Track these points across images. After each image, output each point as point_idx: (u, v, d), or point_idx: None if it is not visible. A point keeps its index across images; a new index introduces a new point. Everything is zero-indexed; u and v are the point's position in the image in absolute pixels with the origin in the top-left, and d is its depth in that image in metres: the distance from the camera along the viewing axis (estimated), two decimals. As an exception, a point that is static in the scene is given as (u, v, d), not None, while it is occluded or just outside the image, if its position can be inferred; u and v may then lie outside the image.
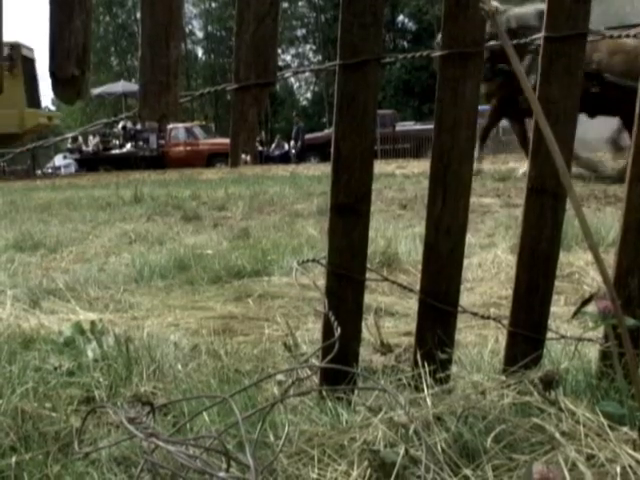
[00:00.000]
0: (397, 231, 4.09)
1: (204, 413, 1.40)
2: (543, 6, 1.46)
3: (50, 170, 22.63)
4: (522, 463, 1.15)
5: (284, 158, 22.90)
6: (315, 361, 1.56)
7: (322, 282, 1.59)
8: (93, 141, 21.99)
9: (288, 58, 39.81)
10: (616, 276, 1.46)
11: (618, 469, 1.07)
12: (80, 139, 20.89)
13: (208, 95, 1.63)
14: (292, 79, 39.48)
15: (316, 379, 1.59)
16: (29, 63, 17.13)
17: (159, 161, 20.85)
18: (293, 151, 22.78)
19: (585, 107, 8.14)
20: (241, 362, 1.87)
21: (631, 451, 1.11)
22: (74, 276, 3.25)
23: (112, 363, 1.77)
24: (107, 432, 1.45)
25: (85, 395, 1.65)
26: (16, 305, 2.59)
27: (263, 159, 21.91)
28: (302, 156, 21.87)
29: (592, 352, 1.62)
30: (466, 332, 2.11)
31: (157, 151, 21.75)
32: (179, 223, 5.31)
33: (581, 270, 2.88)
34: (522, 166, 8.84)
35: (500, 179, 7.66)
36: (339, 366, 1.48)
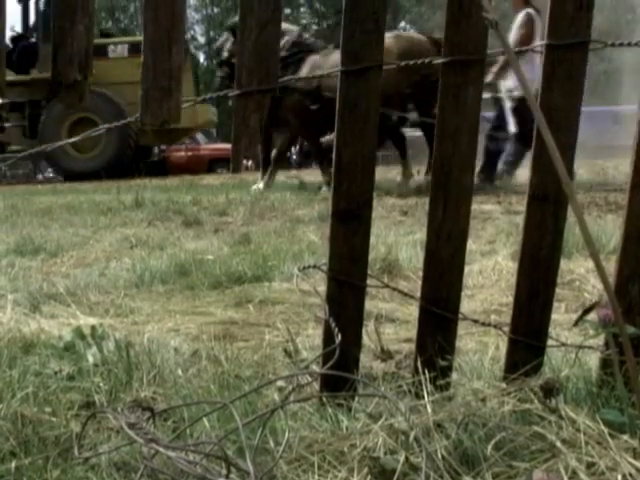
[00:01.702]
0: (398, 237, 4.08)
1: (204, 419, 1.40)
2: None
3: (51, 174, 22.63)
4: (522, 471, 1.15)
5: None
6: (315, 367, 1.56)
7: (323, 288, 1.59)
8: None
9: (290, 64, 39.84)
10: (617, 284, 1.45)
11: (619, 477, 1.07)
12: None
13: (210, 100, 1.63)
14: (294, 85, 39.46)
15: (316, 385, 1.59)
16: (191, 57, 17.07)
17: (160, 166, 20.84)
18: (294, 157, 22.78)
19: (312, 126, 8.40)
20: (241, 368, 1.87)
21: (631, 459, 1.11)
22: (75, 281, 3.25)
23: (112, 368, 1.77)
24: (107, 437, 1.44)
25: (85, 400, 1.65)
26: (16, 309, 2.59)
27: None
28: (302, 162, 21.86)
29: (593, 360, 1.62)
30: (467, 339, 2.11)
31: (158, 156, 21.73)
32: (180, 228, 5.31)
33: (582, 278, 2.88)
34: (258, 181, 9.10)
35: (501, 186, 7.65)
36: (339, 372, 1.48)
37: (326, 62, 8.21)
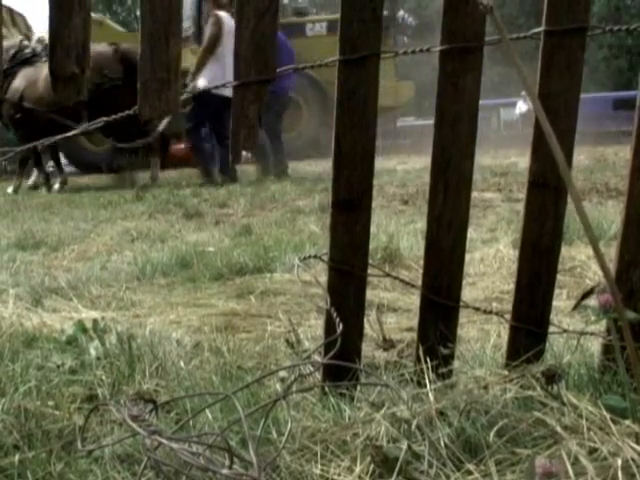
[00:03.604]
0: (399, 227, 4.08)
1: (207, 410, 1.40)
2: None
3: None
4: (525, 457, 1.15)
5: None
6: (317, 357, 1.56)
7: (324, 278, 1.59)
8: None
9: (288, 54, 39.71)
10: (617, 270, 1.45)
11: (621, 462, 1.07)
12: None
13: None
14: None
15: (318, 375, 1.59)
16: None
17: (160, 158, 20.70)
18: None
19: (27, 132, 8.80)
20: (243, 359, 1.87)
21: (634, 444, 1.11)
22: (76, 274, 3.25)
23: (115, 361, 1.77)
24: (110, 430, 1.45)
25: (88, 393, 1.65)
26: (18, 304, 2.59)
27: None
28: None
29: (594, 346, 1.62)
30: (468, 327, 2.11)
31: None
32: (181, 220, 5.30)
33: (583, 264, 2.88)
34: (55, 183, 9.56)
35: (502, 174, 7.64)
36: (341, 362, 1.48)
37: (38, 74, 8.64)
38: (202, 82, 8.08)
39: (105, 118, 1.62)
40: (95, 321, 2.02)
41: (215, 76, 7.90)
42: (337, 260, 1.55)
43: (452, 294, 1.56)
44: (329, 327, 1.55)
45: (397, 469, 1.14)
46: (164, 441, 1.05)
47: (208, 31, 8.36)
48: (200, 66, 8.20)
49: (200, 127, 8.64)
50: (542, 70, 1.44)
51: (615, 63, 28.45)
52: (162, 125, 8.33)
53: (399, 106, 16.10)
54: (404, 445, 1.18)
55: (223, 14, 8.39)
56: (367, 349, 1.82)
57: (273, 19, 1.49)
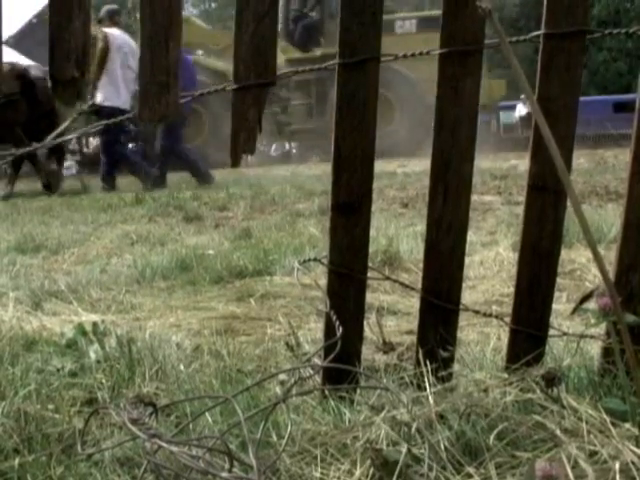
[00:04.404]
0: (398, 230, 4.08)
1: (207, 413, 1.40)
2: None
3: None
4: (525, 460, 1.15)
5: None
6: (317, 360, 1.56)
7: (324, 281, 1.59)
8: (94, 142, 21.89)
9: (288, 57, 39.72)
10: (617, 273, 1.46)
11: (620, 465, 1.07)
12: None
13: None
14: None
15: (318, 378, 1.59)
16: None
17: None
18: (294, 151, 22.72)
19: None
20: (243, 362, 1.87)
21: (633, 447, 1.11)
22: (76, 278, 3.25)
23: (114, 364, 1.77)
24: (110, 433, 1.45)
25: (88, 396, 1.65)
26: (18, 307, 2.59)
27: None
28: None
29: (594, 349, 1.62)
30: (468, 330, 2.11)
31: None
32: (180, 224, 5.30)
33: (583, 267, 2.88)
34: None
35: (501, 177, 7.64)
36: (341, 365, 1.48)
37: None
38: (100, 97, 8.75)
39: (103, 122, 1.62)
40: (95, 324, 2.02)
41: (108, 91, 8.76)
42: (337, 263, 1.55)
43: (452, 297, 1.56)
44: (329, 330, 1.55)
45: (397, 472, 1.14)
46: (164, 444, 1.04)
47: (97, 47, 8.94)
48: (94, 82, 8.79)
49: (116, 141, 9.11)
50: (541, 73, 1.44)
51: (615, 66, 28.47)
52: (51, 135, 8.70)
53: (491, 104, 15.99)
54: (404, 448, 1.18)
55: (113, 31, 9.08)
56: (367, 352, 1.82)
57: (272, 22, 1.49)
